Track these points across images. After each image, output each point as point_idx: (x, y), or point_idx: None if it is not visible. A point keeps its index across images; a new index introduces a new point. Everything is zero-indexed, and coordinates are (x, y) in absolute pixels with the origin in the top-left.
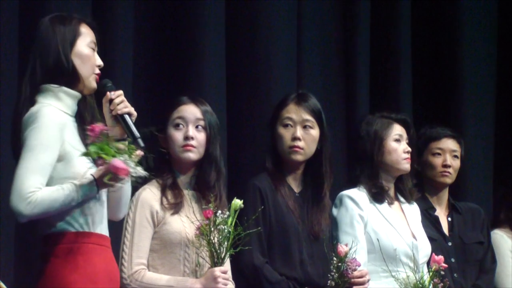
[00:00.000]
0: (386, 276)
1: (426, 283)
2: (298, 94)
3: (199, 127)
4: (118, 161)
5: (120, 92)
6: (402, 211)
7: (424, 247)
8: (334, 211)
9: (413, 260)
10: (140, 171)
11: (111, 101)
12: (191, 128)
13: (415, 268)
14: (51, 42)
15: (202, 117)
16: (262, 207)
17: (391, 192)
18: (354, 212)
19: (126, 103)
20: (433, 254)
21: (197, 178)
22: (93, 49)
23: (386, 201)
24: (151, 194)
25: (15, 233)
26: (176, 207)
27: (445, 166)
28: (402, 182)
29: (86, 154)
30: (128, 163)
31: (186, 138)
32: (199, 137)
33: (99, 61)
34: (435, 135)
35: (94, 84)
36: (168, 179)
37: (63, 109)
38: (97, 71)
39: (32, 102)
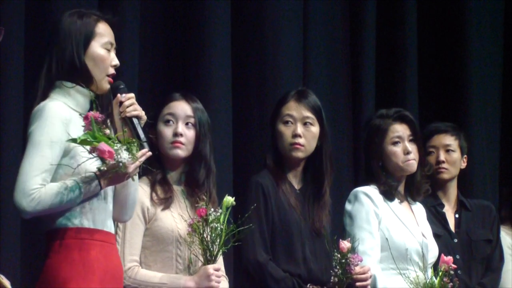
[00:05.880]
0: (396, 274)
1: (436, 283)
2: (298, 91)
3: (189, 124)
4: (104, 145)
5: (131, 95)
6: (411, 210)
7: (433, 248)
8: (348, 206)
9: (423, 259)
10: (125, 157)
11: (121, 103)
12: (181, 124)
13: (424, 268)
14: (67, 41)
15: (192, 114)
16: (255, 204)
17: (401, 190)
18: (370, 208)
19: (136, 106)
20: (442, 254)
21: (187, 175)
22: (109, 50)
23: (397, 199)
24: (141, 191)
25: (21, 230)
26: (166, 202)
27: (438, 162)
28: (412, 177)
29: (72, 140)
30: (116, 148)
31: (175, 134)
32: (188, 134)
33: (115, 61)
34: (426, 134)
35: (106, 86)
36: (158, 175)
37: (72, 106)
38: (112, 71)
39: (45, 97)
